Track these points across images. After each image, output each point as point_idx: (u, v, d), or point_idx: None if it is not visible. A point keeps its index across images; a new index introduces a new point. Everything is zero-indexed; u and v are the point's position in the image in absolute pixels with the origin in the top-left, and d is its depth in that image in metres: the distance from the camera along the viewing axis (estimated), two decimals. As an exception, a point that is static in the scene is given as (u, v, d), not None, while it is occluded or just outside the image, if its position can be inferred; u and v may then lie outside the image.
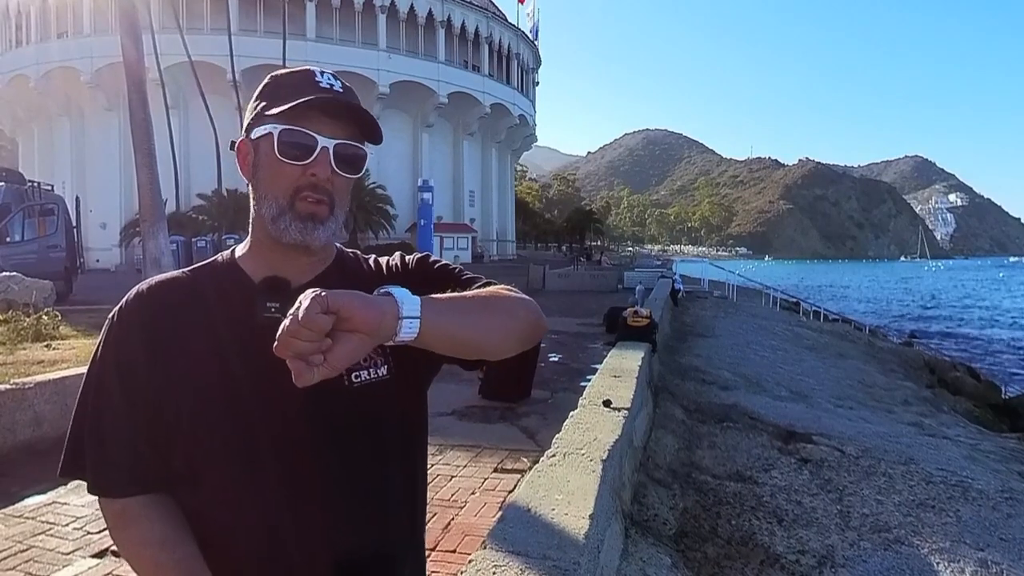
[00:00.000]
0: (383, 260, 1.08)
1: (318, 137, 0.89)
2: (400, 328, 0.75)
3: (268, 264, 0.95)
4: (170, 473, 0.90)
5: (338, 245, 1.04)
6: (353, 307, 0.70)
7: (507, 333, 0.91)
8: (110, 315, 0.94)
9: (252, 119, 0.94)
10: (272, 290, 0.92)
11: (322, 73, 0.95)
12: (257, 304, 0.91)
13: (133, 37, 9.02)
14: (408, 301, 0.76)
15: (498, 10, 50.17)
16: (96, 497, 0.92)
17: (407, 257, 1.07)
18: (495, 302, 0.92)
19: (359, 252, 1.08)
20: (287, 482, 0.88)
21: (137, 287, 0.95)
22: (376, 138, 0.96)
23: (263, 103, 0.93)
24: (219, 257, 1.00)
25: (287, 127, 0.89)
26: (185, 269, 0.98)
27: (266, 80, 0.97)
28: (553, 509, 1.92)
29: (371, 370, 0.94)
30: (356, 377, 0.93)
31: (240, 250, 0.99)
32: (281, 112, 0.89)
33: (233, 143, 0.98)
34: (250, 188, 0.96)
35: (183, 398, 0.88)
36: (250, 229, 0.98)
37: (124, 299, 0.94)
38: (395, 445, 0.97)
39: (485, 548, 1.63)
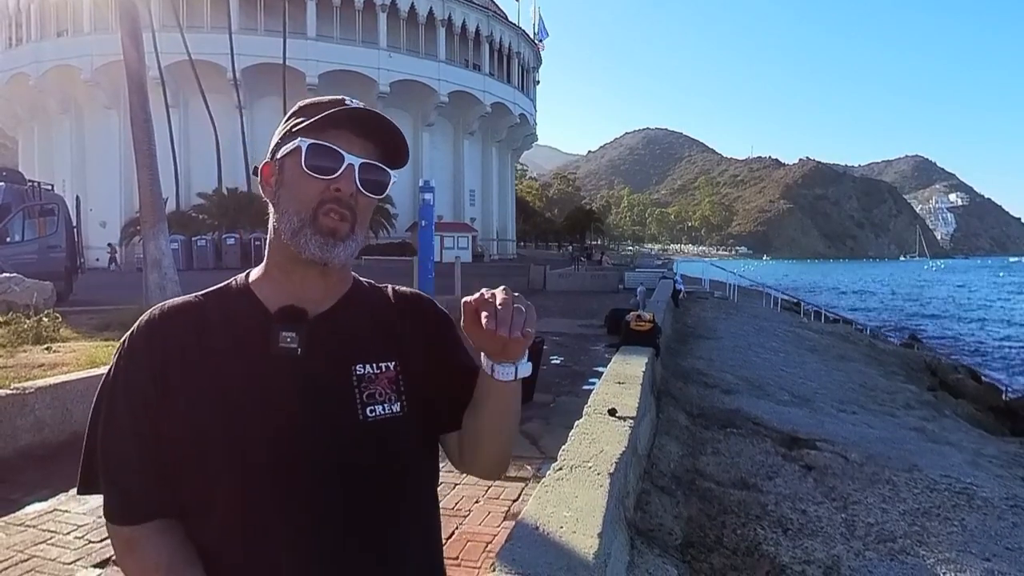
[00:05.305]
0: (401, 294, 1.06)
1: (345, 154, 0.90)
2: (518, 364, 0.90)
3: (283, 290, 0.94)
4: (179, 503, 0.89)
5: (354, 274, 1.03)
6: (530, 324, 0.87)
7: (504, 456, 1.04)
8: (121, 340, 0.94)
9: (280, 140, 0.94)
10: (289, 320, 0.91)
11: (351, 100, 0.95)
12: (273, 334, 0.90)
13: (134, 38, 9.00)
14: (525, 368, 0.92)
15: (499, 9, 50.14)
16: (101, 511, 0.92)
17: (439, 315, 1.06)
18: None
19: (374, 282, 1.07)
20: (293, 517, 0.87)
21: (149, 312, 0.94)
22: (400, 160, 0.97)
23: (292, 123, 0.93)
24: (233, 281, 0.99)
25: (315, 141, 0.90)
26: (199, 293, 0.97)
27: (296, 106, 0.98)
28: (562, 527, 1.90)
29: (386, 405, 0.93)
30: (371, 412, 0.91)
31: (255, 274, 0.98)
32: (309, 126, 0.90)
33: (256, 168, 0.98)
34: (271, 209, 0.95)
35: (189, 430, 0.87)
36: (266, 253, 0.97)
37: (136, 324, 0.93)
38: (405, 485, 0.95)
39: (495, 571, 1.61)
